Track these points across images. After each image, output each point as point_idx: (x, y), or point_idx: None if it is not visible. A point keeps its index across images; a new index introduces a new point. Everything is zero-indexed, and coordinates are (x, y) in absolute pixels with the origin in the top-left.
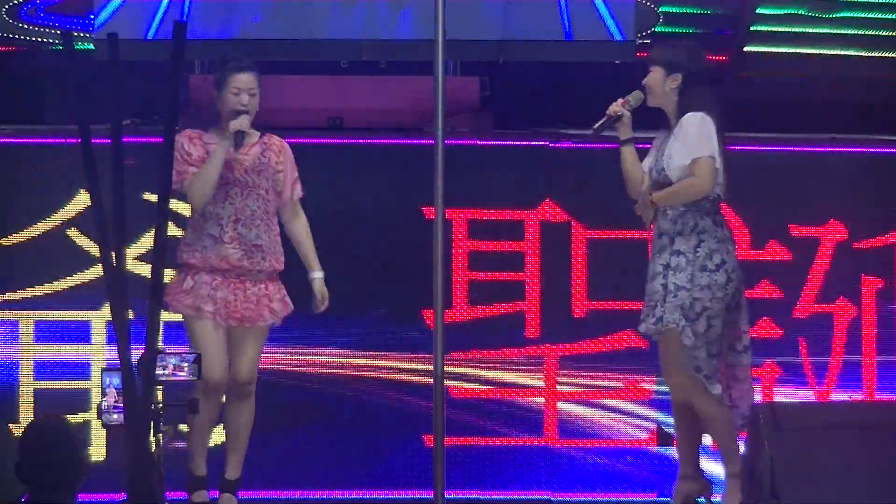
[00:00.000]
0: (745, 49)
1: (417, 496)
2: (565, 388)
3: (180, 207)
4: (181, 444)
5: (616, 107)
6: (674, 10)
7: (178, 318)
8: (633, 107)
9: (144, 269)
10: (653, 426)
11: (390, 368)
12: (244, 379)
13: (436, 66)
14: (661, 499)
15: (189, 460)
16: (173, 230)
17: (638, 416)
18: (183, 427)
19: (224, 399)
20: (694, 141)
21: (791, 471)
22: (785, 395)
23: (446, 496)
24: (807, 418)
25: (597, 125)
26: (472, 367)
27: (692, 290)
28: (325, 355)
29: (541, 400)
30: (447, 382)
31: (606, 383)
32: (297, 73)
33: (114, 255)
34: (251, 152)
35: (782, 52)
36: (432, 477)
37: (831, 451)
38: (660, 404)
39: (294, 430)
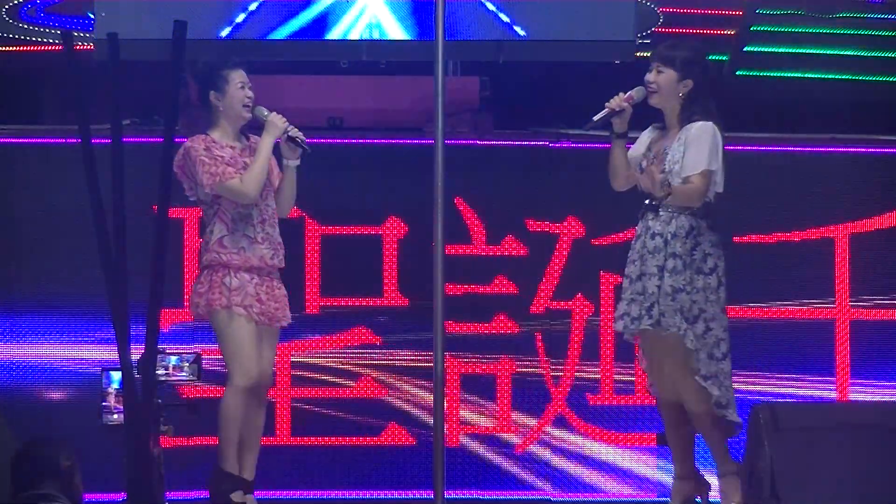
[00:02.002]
0: (745, 49)
1: (417, 496)
2: (299, 387)
3: None
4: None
5: (619, 101)
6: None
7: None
8: (635, 102)
9: None
10: (392, 422)
11: None
12: (269, 380)
13: (436, 66)
14: (661, 499)
15: (224, 461)
16: None
17: (374, 413)
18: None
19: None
20: (707, 154)
21: (791, 471)
22: (528, 392)
23: (446, 496)
24: (807, 418)
25: (596, 117)
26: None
27: (691, 293)
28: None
29: (273, 400)
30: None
31: (341, 381)
32: (297, 73)
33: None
34: None
35: (782, 52)
36: (432, 477)
37: (831, 451)
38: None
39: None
